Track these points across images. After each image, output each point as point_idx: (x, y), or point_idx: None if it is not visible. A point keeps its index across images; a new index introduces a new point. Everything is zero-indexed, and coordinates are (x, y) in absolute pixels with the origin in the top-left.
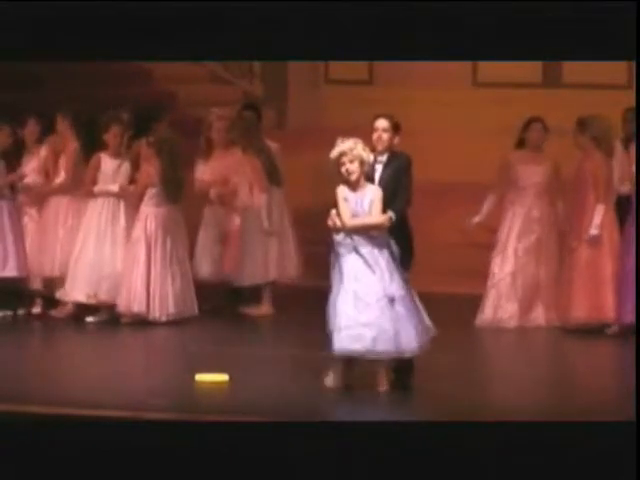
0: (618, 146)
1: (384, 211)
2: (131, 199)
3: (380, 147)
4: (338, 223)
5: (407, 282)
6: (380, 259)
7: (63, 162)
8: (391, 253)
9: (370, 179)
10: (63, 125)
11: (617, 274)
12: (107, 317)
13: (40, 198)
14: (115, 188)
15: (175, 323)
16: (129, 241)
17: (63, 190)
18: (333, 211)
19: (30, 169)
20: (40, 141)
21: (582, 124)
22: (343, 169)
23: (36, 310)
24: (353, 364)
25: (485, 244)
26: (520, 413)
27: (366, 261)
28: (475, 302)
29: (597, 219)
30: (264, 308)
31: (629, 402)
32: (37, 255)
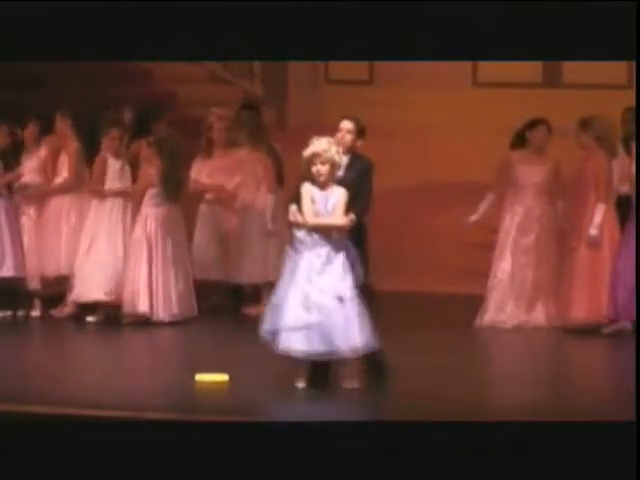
0: (618, 146)
1: (346, 213)
2: (134, 199)
3: (342, 148)
4: (300, 220)
5: (360, 286)
6: (335, 260)
7: (65, 162)
8: (347, 255)
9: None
10: (63, 125)
11: (617, 274)
12: (106, 316)
13: (39, 197)
14: (126, 188)
15: (175, 323)
16: (130, 240)
17: (65, 189)
18: (293, 207)
19: (29, 168)
20: (39, 141)
21: (585, 124)
22: (314, 169)
23: (35, 313)
24: (325, 365)
25: (485, 244)
26: (520, 413)
27: (322, 261)
28: (475, 302)
29: (597, 219)
30: (264, 307)
31: (629, 402)
32: (40, 254)
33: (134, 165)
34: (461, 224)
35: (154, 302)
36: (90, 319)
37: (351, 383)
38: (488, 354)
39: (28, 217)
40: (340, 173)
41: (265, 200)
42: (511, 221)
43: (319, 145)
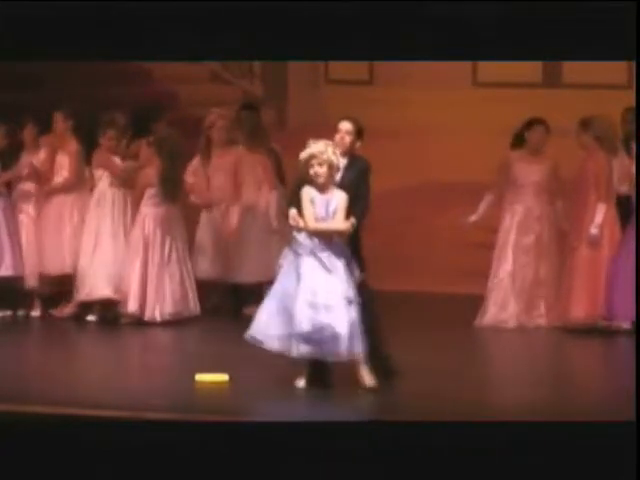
0: (618, 146)
1: (347, 216)
2: (133, 198)
3: (341, 149)
4: (300, 223)
5: (359, 288)
6: (338, 264)
7: (64, 161)
8: (347, 261)
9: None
10: (62, 125)
11: (617, 274)
12: (105, 315)
13: (39, 196)
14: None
15: (175, 323)
16: (128, 239)
17: (66, 189)
18: (293, 211)
19: (28, 168)
20: (37, 140)
21: (585, 124)
22: (312, 171)
23: (35, 313)
24: (319, 364)
25: (485, 244)
26: (520, 413)
27: (324, 264)
28: (475, 302)
29: (598, 218)
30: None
31: (629, 402)
32: (43, 253)
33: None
34: (461, 224)
35: (147, 301)
36: (90, 318)
37: (370, 381)
38: (488, 354)
39: (27, 216)
40: (339, 175)
41: (268, 199)
42: (511, 220)
43: (316, 147)
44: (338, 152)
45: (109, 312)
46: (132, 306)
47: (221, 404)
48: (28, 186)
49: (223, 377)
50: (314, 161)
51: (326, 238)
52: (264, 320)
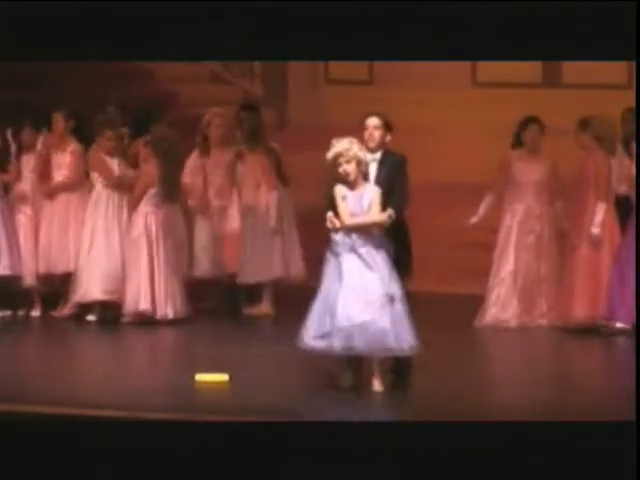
0: (618, 146)
1: (383, 209)
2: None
3: (372, 145)
4: (337, 224)
5: (405, 282)
6: (378, 258)
7: (66, 161)
8: (387, 252)
9: (365, 177)
10: (63, 125)
11: (618, 275)
12: (104, 315)
13: (38, 197)
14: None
15: (175, 323)
16: (129, 239)
17: (68, 188)
18: (330, 213)
19: (26, 168)
20: (36, 140)
21: (584, 124)
22: (340, 170)
23: (35, 312)
24: (361, 363)
25: (485, 244)
26: (520, 413)
27: (364, 260)
28: (475, 302)
29: (598, 217)
30: (264, 307)
31: (629, 402)
32: (51, 252)
33: (135, 165)
34: (462, 225)
35: (157, 300)
36: (90, 318)
37: (379, 385)
38: (488, 354)
39: (25, 216)
40: (373, 170)
41: (267, 199)
42: (512, 220)
43: (341, 145)
44: (364, 147)
45: (109, 312)
46: (143, 305)
47: (221, 404)
48: (26, 186)
49: (223, 377)
50: (341, 159)
51: (364, 233)
52: (311, 327)
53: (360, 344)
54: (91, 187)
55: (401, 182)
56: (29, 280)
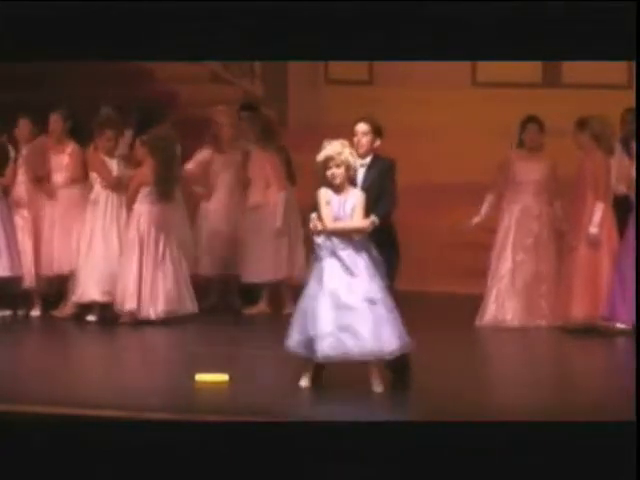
0: (617, 146)
1: (367, 215)
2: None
3: (360, 150)
4: (319, 226)
5: (388, 287)
6: (359, 262)
7: (65, 162)
8: (371, 257)
9: (353, 182)
10: (60, 126)
11: (617, 274)
12: (103, 315)
13: (37, 197)
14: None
15: (174, 323)
16: (125, 239)
17: (69, 188)
18: (313, 215)
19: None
20: (34, 141)
21: (582, 124)
22: (329, 173)
23: (35, 313)
24: (323, 364)
25: (485, 244)
26: (520, 413)
27: (345, 264)
28: (475, 302)
29: (597, 217)
30: (262, 307)
31: (629, 402)
32: (54, 251)
33: (136, 166)
34: (461, 226)
35: (142, 299)
36: (90, 318)
37: (378, 386)
38: (488, 354)
39: (24, 216)
40: (361, 175)
41: (276, 198)
42: (510, 220)
43: (332, 148)
44: (354, 152)
45: (108, 312)
46: (129, 304)
47: (221, 404)
48: (25, 187)
49: (223, 377)
50: (331, 163)
51: (346, 237)
52: (294, 330)
53: (342, 351)
54: (90, 187)
55: (388, 187)
56: (28, 281)
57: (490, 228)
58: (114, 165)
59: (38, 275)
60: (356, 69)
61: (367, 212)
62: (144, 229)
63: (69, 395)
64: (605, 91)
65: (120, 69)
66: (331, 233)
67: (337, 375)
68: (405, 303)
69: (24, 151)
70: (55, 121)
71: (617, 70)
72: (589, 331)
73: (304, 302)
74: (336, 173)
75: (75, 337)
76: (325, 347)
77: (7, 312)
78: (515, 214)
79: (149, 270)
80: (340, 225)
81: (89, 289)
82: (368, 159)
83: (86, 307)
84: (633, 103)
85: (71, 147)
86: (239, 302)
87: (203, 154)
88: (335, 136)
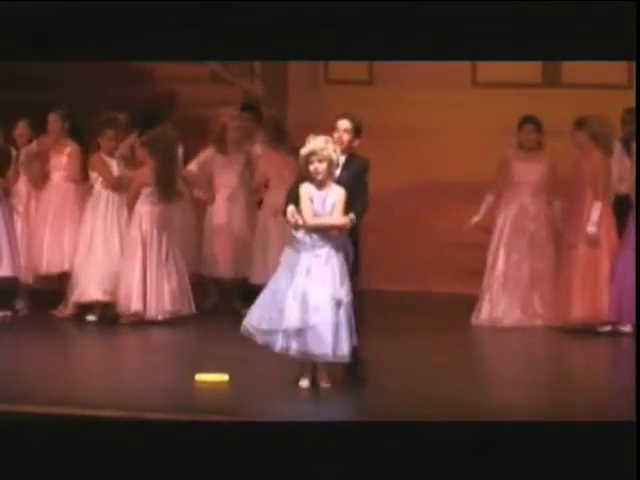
0: (617, 146)
1: (345, 213)
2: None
3: (339, 147)
4: (299, 221)
5: (356, 287)
6: (335, 261)
7: (63, 162)
8: (347, 257)
9: (333, 178)
10: (59, 126)
11: (615, 273)
12: (104, 315)
13: (36, 197)
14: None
15: (175, 322)
16: (126, 240)
17: (65, 188)
18: (291, 208)
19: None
20: (33, 141)
21: (580, 123)
22: (311, 167)
23: (35, 312)
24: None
25: (485, 244)
26: (520, 413)
27: (321, 261)
28: (475, 302)
29: (594, 216)
30: None
31: (629, 402)
32: (46, 251)
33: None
34: (461, 225)
35: (147, 300)
36: (90, 318)
37: (326, 381)
38: (488, 354)
39: (23, 216)
40: (337, 173)
41: None
42: (505, 220)
43: (316, 143)
44: (338, 149)
45: (109, 312)
46: (135, 305)
47: (221, 404)
48: (23, 186)
49: (223, 377)
50: (314, 157)
51: (324, 234)
52: (256, 314)
53: (299, 346)
54: (90, 187)
55: (361, 188)
56: (30, 281)
57: (490, 228)
58: (114, 165)
59: (35, 274)
60: (356, 69)
61: (345, 210)
62: (146, 230)
63: (69, 395)
64: (605, 91)
65: (120, 69)
66: (311, 229)
67: (336, 375)
68: (405, 303)
69: (23, 154)
70: (54, 121)
71: (617, 70)
72: (589, 331)
73: (272, 292)
74: (319, 168)
75: (75, 337)
76: (285, 341)
77: (7, 312)
78: (511, 214)
79: (153, 271)
80: (320, 221)
81: (89, 289)
82: (343, 158)
83: (86, 307)
84: (633, 103)
85: (70, 147)
86: (241, 304)
87: (206, 155)
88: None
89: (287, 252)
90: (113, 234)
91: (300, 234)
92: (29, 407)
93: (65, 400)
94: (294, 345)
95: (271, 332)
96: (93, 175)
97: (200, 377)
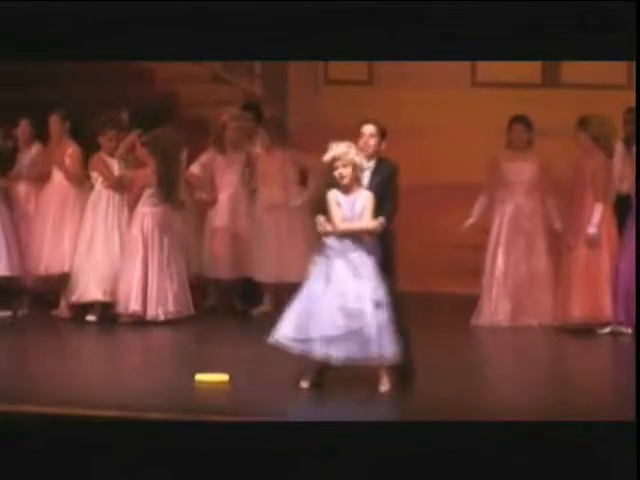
0: (619, 146)
1: (374, 216)
2: (130, 199)
3: (366, 152)
4: (328, 228)
5: (390, 289)
6: (368, 264)
7: (63, 162)
8: (379, 259)
9: (359, 183)
10: (59, 127)
11: (618, 273)
12: (103, 315)
13: (36, 196)
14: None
15: (175, 322)
16: (127, 239)
17: (66, 188)
18: (321, 218)
19: (22, 169)
20: (33, 141)
21: (584, 123)
22: (336, 173)
23: (34, 313)
24: (327, 365)
25: (484, 245)
26: (520, 413)
27: (355, 266)
28: (475, 302)
29: (595, 218)
30: (266, 307)
31: (629, 402)
32: (45, 252)
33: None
34: (459, 229)
35: (147, 301)
36: (90, 318)
37: (385, 384)
38: (488, 354)
39: (24, 216)
40: (366, 178)
41: (299, 197)
42: (502, 220)
43: (339, 149)
44: (361, 153)
45: (109, 312)
46: (134, 305)
47: (221, 404)
48: (23, 187)
49: (223, 377)
50: (338, 163)
51: (355, 238)
52: (289, 325)
53: (342, 352)
54: (90, 187)
55: (392, 191)
56: (30, 281)
57: (486, 228)
58: (115, 165)
59: (34, 274)
60: (356, 69)
61: (374, 214)
62: (148, 231)
63: (69, 395)
64: (605, 91)
65: (120, 69)
66: (341, 234)
67: (337, 375)
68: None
69: (24, 157)
70: (54, 122)
71: (617, 70)
72: (588, 331)
73: (307, 301)
74: (344, 173)
75: (75, 337)
76: (328, 350)
77: (7, 312)
78: (507, 214)
79: (155, 271)
80: (350, 226)
81: (90, 289)
82: (372, 162)
83: (86, 307)
84: (633, 103)
85: (71, 147)
86: (241, 304)
87: (207, 156)
88: (335, 136)
89: (318, 260)
90: (114, 234)
91: (331, 240)
92: (29, 407)
93: (65, 400)
94: (335, 352)
95: (308, 341)
96: (94, 175)
97: (200, 377)
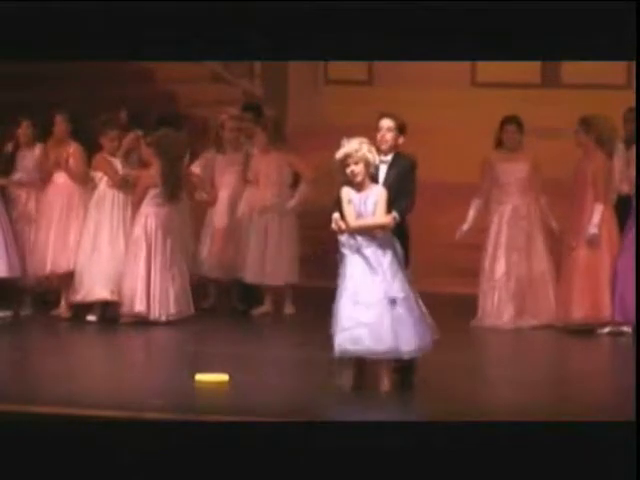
0: (620, 146)
1: (388, 211)
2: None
3: (384, 147)
4: (342, 226)
5: (410, 283)
6: (383, 260)
7: (66, 162)
8: (395, 254)
9: (374, 179)
10: (63, 127)
11: (616, 274)
12: (104, 315)
13: (37, 196)
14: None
15: (175, 323)
16: (131, 239)
17: (69, 188)
18: (336, 215)
19: (23, 169)
20: (34, 141)
21: (586, 123)
22: (348, 170)
23: (34, 313)
24: (364, 365)
25: (484, 245)
26: (520, 413)
27: (369, 262)
28: (475, 302)
29: (596, 218)
30: (266, 308)
31: (629, 402)
32: (50, 251)
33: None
34: (455, 235)
35: (151, 301)
36: (90, 318)
37: (385, 385)
38: (488, 354)
39: (24, 216)
40: (383, 172)
41: (296, 198)
42: (500, 221)
43: (350, 146)
44: (374, 149)
45: (109, 312)
46: (138, 306)
47: (221, 404)
48: (24, 188)
49: (223, 377)
50: (350, 160)
51: (369, 234)
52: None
53: (359, 347)
54: (94, 187)
55: (409, 186)
56: (31, 281)
57: (483, 229)
58: (118, 164)
59: (37, 274)
60: (356, 69)
61: (388, 208)
62: (151, 231)
63: (69, 395)
64: (605, 91)
65: (120, 69)
66: (354, 231)
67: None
68: None
69: (25, 158)
70: (60, 123)
71: (617, 70)
72: (589, 331)
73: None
74: (355, 170)
75: (75, 337)
76: (342, 342)
77: (7, 312)
78: (505, 215)
79: (157, 272)
80: (363, 222)
81: (96, 288)
82: (390, 156)
83: (86, 307)
84: (633, 103)
85: (73, 147)
86: (241, 304)
87: (206, 156)
88: (335, 136)
89: (338, 260)
90: (119, 234)
91: (344, 237)
92: (29, 407)
93: (65, 400)
94: (352, 346)
95: (332, 335)
96: (97, 175)
97: (200, 377)
